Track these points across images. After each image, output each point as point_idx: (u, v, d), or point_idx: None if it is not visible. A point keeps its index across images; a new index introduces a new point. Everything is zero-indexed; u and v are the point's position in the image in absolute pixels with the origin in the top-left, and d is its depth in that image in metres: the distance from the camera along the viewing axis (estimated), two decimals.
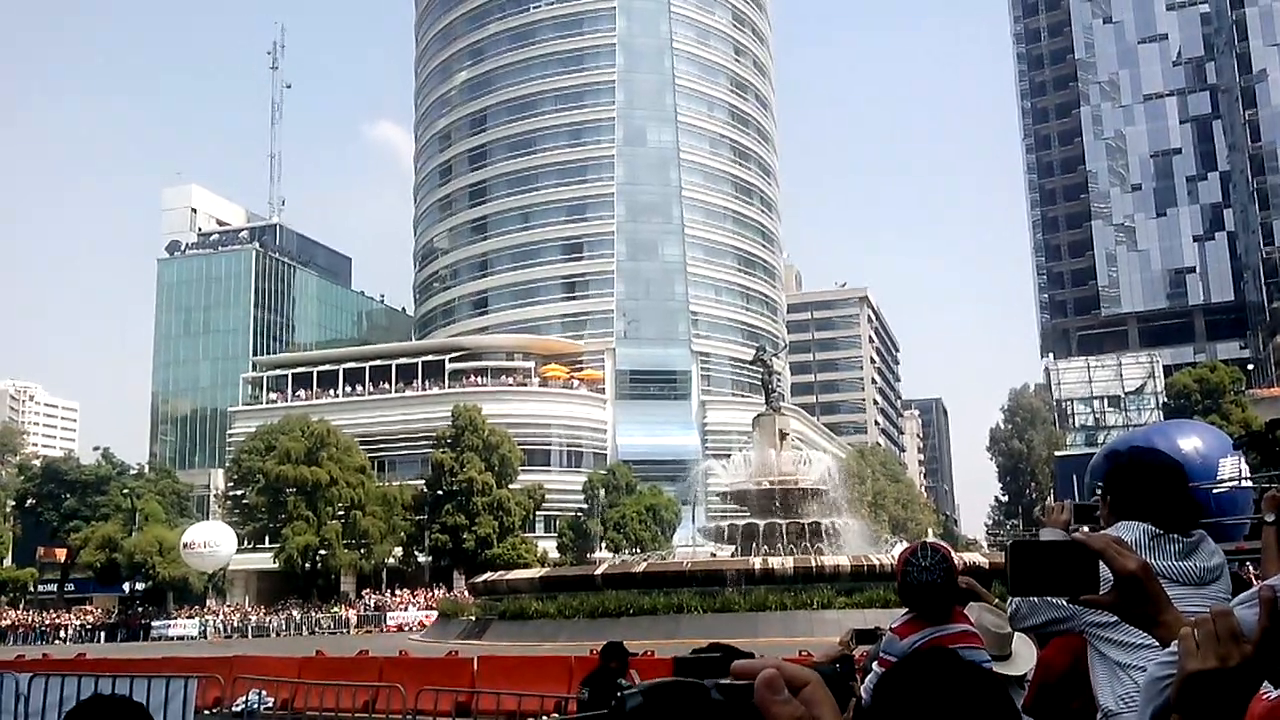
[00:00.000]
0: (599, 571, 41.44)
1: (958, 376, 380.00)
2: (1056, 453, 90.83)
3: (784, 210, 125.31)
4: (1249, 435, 33.90)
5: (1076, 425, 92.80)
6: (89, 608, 75.06)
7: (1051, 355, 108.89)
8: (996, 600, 5.11)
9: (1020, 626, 3.67)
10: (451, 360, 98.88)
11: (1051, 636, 4.22)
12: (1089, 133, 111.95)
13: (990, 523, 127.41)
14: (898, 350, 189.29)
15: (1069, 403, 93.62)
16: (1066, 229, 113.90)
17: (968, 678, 1.68)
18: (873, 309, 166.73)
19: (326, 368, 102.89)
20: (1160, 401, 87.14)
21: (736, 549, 43.54)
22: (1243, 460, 20.26)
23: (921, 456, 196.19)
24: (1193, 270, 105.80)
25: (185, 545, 67.66)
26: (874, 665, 4.59)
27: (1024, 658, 4.65)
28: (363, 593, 77.10)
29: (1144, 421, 76.74)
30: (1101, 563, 1.99)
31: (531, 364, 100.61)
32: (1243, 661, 1.46)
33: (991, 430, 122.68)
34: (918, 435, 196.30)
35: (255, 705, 17.30)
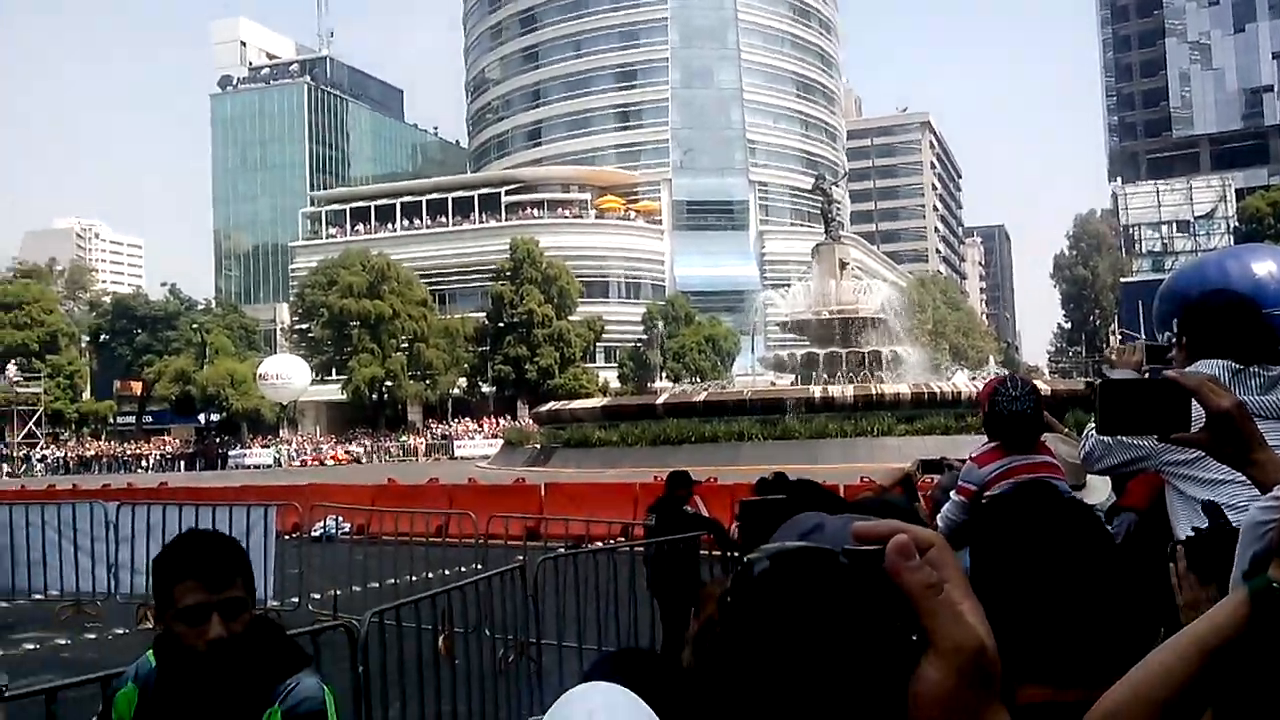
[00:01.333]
0: (660, 401, 42.00)
1: (1022, 203, 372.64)
2: (1122, 279, 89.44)
3: (843, 33, 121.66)
4: None
5: (1144, 251, 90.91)
6: (167, 438, 77.75)
7: (1119, 179, 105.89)
8: (1067, 430, 5.09)
9: (1096, 469, 3.66)
10: (507, 193, 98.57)
11: (1127, 477, 4.20)
12: None
13: (1053, 350, 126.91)
14: (960, 177, 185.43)
15: (1136, 228, 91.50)
16: (1138, 48, 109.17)
17: (1070, 513, 1.69)
18: (934, 134, 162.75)
19: (383, 202, 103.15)
20: (1231, 226, 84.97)
21: (796, 378, 43.77)
22: None
23: (983, 284, 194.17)
24: (1270, 89, 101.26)
25: (260, 377, 69.08)
26: (952, 494, 4.62)
27: (1098, 488, 4.65)
28: (429, 422, 78.94)
29: (1213, 246, 75.01)
30: (1194, 401, 1.97)
31: (588, 196, 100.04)
32: None
33: (1056, 257, 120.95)
34: (979, 263, 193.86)
35: (333, 531, 18.02)
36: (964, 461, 5.01)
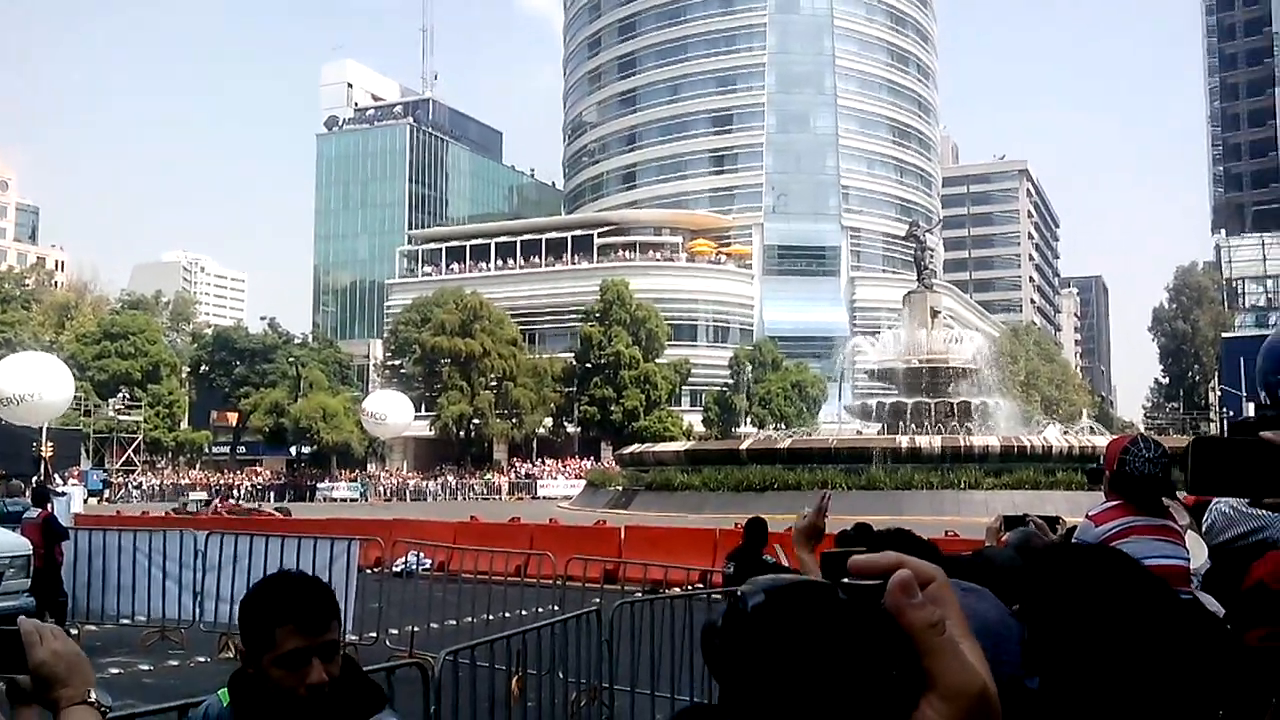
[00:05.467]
0: (744, 446, 41.82)
1: (1120, 254, 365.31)
2: (1224, 334, 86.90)
3: (942, 79, 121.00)
4: None
5: (1247, 306, 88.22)
6: (259, 469, 79.23)
7: (1223, 231, 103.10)
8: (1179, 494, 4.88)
9: (1215, 541, 3.50)
10: (600, 235, 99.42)
11: (1242, 552, 4.04)
12: None
13: (1149, 405, 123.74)
14: (1057, 226, 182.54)
15: (1240, 282, 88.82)
16: (1247, 97, 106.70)
17: (1124, 572, 1.48)
18: (1032, 183, 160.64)
19: (478, 242, 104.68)
20: None
21: (883, 427, 43.30)
22: None
23: (1078, 336, 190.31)
24: None
25: (363, 412, 69.54)
26: None
27: (1195, 555, 4.49)
28: (514, 461, 79.48)
29: None
30: None
31: (679, 239, 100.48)
32: None
33: (1155, 310, 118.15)
34: (1075, 314, 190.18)
35: (414, 566, 18.17)
36: (1046, 519, 4.90)
